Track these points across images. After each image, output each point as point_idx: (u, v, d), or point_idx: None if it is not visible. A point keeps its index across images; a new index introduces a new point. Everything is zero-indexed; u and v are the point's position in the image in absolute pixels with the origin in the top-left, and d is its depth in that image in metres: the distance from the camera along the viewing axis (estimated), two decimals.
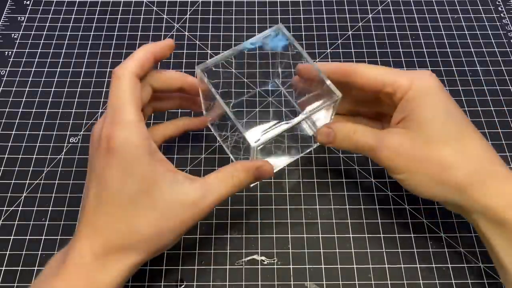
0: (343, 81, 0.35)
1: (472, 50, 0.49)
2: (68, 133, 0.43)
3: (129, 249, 0.29)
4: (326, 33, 0.51)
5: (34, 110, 0.44)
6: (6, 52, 0.49)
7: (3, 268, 0.36)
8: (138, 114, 0.30)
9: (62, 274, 0.28)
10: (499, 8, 0.53)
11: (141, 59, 0.32)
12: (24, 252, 0.37)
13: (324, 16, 0.52)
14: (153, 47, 0.33)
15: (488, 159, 0.31)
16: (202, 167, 0.41)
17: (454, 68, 0.48)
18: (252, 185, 0.38)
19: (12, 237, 0.37)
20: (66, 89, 0.46)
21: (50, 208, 0.39)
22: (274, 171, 0.38)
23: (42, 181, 0.40)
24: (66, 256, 0.29)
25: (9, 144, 0.42)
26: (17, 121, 0.44)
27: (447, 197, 0.31)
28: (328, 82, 0.34)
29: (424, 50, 0.49)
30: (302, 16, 0.52)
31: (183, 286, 0.35)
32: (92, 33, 0.50)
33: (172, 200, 0.29)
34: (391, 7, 0.53)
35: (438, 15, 0.52)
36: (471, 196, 0.30)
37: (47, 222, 0.38)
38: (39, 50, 0.49)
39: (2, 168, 0.41)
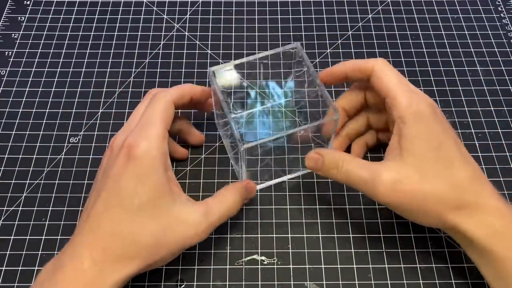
0: (361, 77, 0.36)
1: (472, 50, 0.49)
2: (68, 133, 0.43)
3: (128, 259, 0.29)
4: (326, 33, 0.51)
5: (34, 110, 0.44)
6: (6, 52, 0.49)
7: (3, 268, 0.36)
8: (164, 132, 0.32)
9: (60, 280, 0.28)
10: (499, 8, 0.53)
11: (182, 93, 0.35)
12: (24, 252, 0.37)
13: (324, 16, 0.52)
14: (195, 89, 0.37)
15: (475, 192, 0.32)
16: (202, 167, 0.41)
17: (454, 68, 0.48)
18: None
19: (12, 237, 0.37)
20: (66, 89, 0.46)
21: (50, 208, 0.39)
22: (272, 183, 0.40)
23: (42, 181, 0.40)
24: (65, 261, 0.29)
25: (9, 144, 0.42)
26: (17, 121, 0.44)
27: (440, 227, 0.33)
28: (332, 102, 0.35)
29: (424, 50, 0.49)
30: (302, 16, 0.52)
31: (183, 286, 0.35)
32: (92, 33, 0.50)
33: (175, 216, 0.31)
34: (391, 7, 0.53)
35: (438, 15, 0.52)
36: (459, 227, 0.31)
37: (47, 222, 0.38)
38: (39, 50, 0.49)
39: (2, 168, 0.41)
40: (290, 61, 0.39)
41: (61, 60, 0.48)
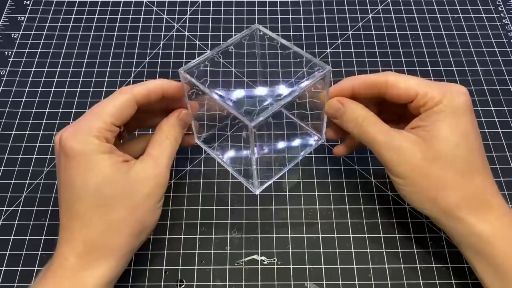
0: (372, 93, 0.34)
1: (472, 50, 0.49)
2: None
3: (110, 238, 0.30)
4: (326, 33, 0.51)
5: (34, 110, 0.44)
6: (6, 52, 0.49)
7: (3, 268, 0.36)
8: (108, 126, 0.31)
9: (48, 278, 0.29)
10: (499, 8, 0.53)
11: (148, 92, 0.33)
12: (24, 252, 0.37)
13: (324, 16, 0.52)
14: (165, 84, 0.34)
15: (487, 191, 0.31)
16: (202, 167, 0.41)
17: (454, 68, 0.48)
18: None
19: (12, 237, 0.37)
20: (66, 89, 0.46)
21: (50, 208, 0.39)
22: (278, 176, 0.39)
23: (42, 181, 0.40)
24: (51, 262, 0.30)
25: (9, 144, 0.42)
26: (17, 121, 0.44)
27: (432, 215, 0.32)
28: (315, 59, 0.35)
29: (424, 50, 0.49)
30: (302, 16, 0.52)
31: (183, 286, 0.35)
32: (92, 33, 0.50)
33: (133, 178, 0.31)
34: (391, 7, 0.53)
35: (438, 15, 0.52)
36: (460, 219, 0.31)
37: (47, 222, 0.38)
38: (39, 50, 0.49)
39: (2, 168, 0.41)
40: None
41: (61, 60, 0.48)
